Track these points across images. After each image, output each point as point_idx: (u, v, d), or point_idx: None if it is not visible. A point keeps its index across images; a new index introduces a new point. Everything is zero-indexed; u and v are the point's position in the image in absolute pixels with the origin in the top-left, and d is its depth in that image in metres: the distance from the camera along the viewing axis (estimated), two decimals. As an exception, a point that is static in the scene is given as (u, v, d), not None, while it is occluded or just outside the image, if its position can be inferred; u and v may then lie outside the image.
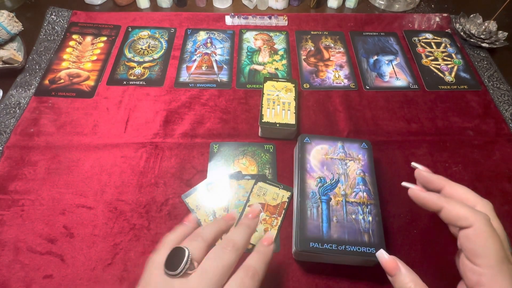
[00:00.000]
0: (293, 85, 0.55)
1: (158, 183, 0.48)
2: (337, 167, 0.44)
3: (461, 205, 0.28)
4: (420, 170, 0.34)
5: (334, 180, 0.43)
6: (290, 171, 0.50)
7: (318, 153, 0.45)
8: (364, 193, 0.42)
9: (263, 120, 0.51)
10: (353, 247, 0.38)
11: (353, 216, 0.40)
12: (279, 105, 0.53)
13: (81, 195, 0.47)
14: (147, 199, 0.47)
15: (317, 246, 0.38)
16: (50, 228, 0.44)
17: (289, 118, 0.51)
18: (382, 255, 0.31)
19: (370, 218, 0.40)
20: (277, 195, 0.47)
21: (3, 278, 0.40)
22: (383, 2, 0.77)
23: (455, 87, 0.62)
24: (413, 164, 0.35)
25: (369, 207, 0.41)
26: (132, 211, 0.46)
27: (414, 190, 0.32)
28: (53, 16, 0.69)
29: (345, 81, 0.62)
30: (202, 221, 0.45)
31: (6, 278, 0.40)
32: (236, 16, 0.71)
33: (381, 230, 0.39)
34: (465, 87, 0.62)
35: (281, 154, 0.52)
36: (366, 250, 0.38)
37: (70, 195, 0.47)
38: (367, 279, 0.41)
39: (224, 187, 0.48)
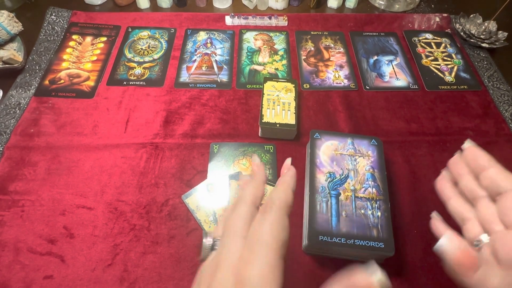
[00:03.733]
0: (293, 85, 0.55)
1: (158, 183, 0.48)
2: (346, 162, 0.44)
3: None
4: None
5: (344, 175, 0.43)
6: (290, 172, 0.50)
7: (328, 149, 0.46)
8: (373, 189, 0.42)
9: (263, 120, 0.51)
10: (361, 241, 0.38)
11: (362, 211, 0.41)
12: (279, 105, 0.53)
13: (81, 195, 0.47)
14: (147, 200, 0.47)
15: (326, 239, 0.38)
16: (50, 229, 0.44)
17: (289, 118, 0.51)
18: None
19: (379, 214, 0.40)
20: (277, 195, 0.47)
21: (3, 278, 0.40)
22: (383, 2, 0.77)
23: (455, 87, 0.62)
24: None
25: (378, 202, 0.41)
26: (132, 212, 0.46)
27: None
28: (53, 16, 0.69)
29: (345, 81, 0.62)
30: (202, 221, 0.45)
31: (6, 278, 0.40)
32: (236, 16, 0.71)
33: (390, 225, 0.40)
34: (465, 87, 0.62)
35: (281, 154, 0.52)
36: (374, 244, 0.38)
37: (70, 196, 0.47)
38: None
39: (224, 187, 0.48)
